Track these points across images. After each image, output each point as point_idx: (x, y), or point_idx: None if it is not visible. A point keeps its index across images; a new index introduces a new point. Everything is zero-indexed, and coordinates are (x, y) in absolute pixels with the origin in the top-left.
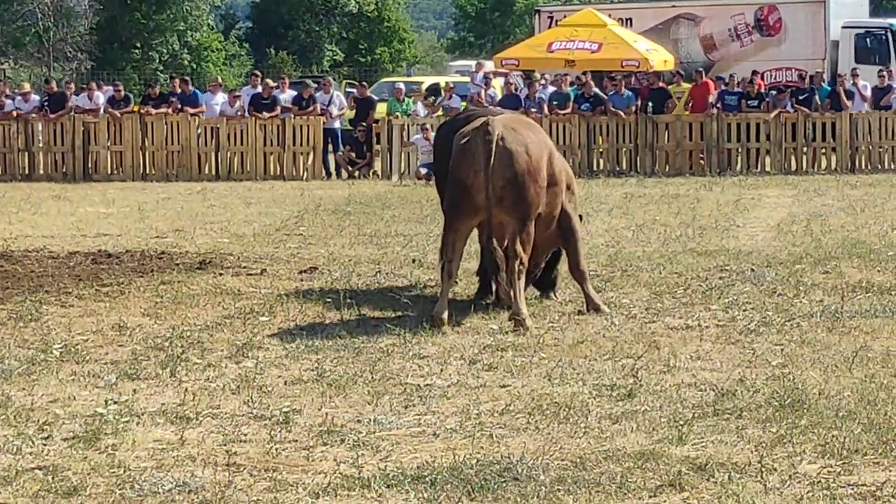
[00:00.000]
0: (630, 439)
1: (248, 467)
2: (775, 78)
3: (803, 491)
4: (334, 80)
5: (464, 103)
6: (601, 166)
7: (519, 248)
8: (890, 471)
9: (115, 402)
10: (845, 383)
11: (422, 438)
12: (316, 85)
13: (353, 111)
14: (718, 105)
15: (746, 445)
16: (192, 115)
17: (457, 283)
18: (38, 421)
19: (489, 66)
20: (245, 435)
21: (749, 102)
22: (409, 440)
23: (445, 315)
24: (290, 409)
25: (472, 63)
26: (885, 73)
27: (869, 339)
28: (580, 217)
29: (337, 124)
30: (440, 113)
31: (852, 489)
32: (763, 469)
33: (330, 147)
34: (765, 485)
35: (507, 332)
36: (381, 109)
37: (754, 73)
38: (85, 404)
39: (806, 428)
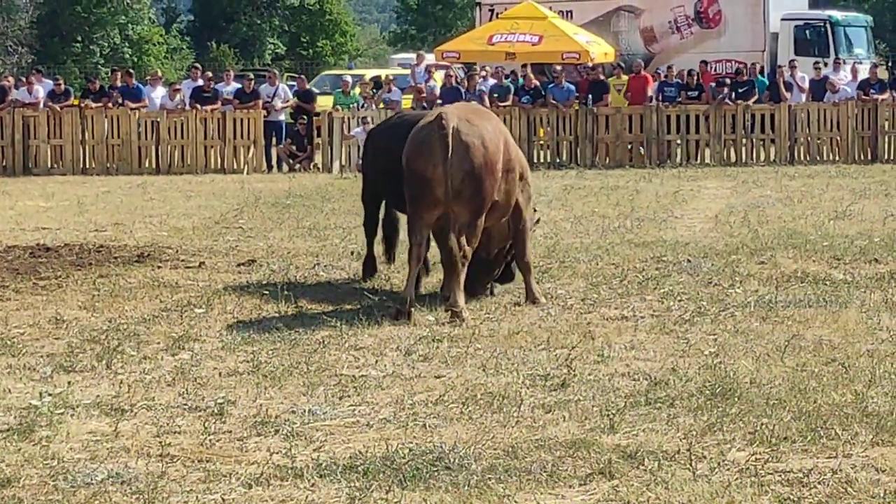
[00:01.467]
0: (562, 428)
1: (182, 458)
2: (715, 70)
3: (732, 478)
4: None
5: (405, 96)
6: (542, 158)
7: (464, 240)
8: (818, 458)
9: (50, 395)
10: (777, 372)
11: (355, 429)
12: (259, 78)
13: None
14: (658, 96)
15: (676, 433)
16: (133, 108)
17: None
18: None
19: (430, 58)
20: (179, 426)
21: (689, 93)
22: (343, 430)
23: (412, 299)
24: (225, 400)
25: (414, 56)
26: (820, 65)
27: (801, 329)
28: (534, 209)
29: (282, 117)
30: (381, 105)
31: (780, 476)
32: (692, 457)
33: (274, 140)
34: (694, 472)
35: (443, 324)
36: (323, 102)
37: (703, 62)
38: (20, 397)
39: (736, 416)
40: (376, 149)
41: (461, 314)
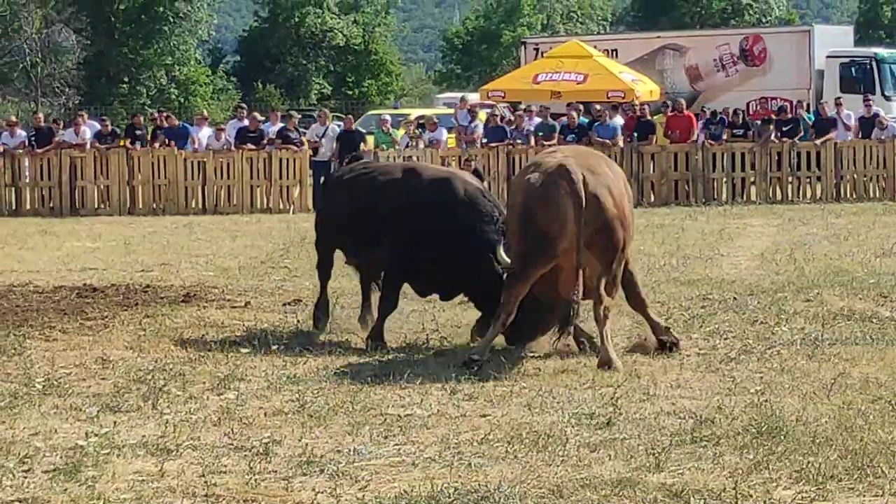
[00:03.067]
0: (607, 467)
1: (227, 498)
2: (756, 109)
3: None
4: None
5: (450, 136)
6: None
7: (604, 293)
8: (864, 496)
9: (96, 435)
10: (823, 410)
11: (401, 468)
12: (308, 118)
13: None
14: (705, 133)
15: (722, 472)
16: (180, 149)
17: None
18: (19, 454)
19: (473, 98)
20: (225, 466)
21: (734, 131)
22: (388, 470)
23: (486, 358)
24: (271, 440)
25: (460, 95)
26: (871, 101)
27: (848, 366)
28: None
29: (330, 156)
30: (423, 145)
31: None
32: (738, 495)
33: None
34: None
35: (488, 361)
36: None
37: (764, 98)
38: (66, 437)
39: (782, 454)
40: (336, 196)
41: (616, 366)
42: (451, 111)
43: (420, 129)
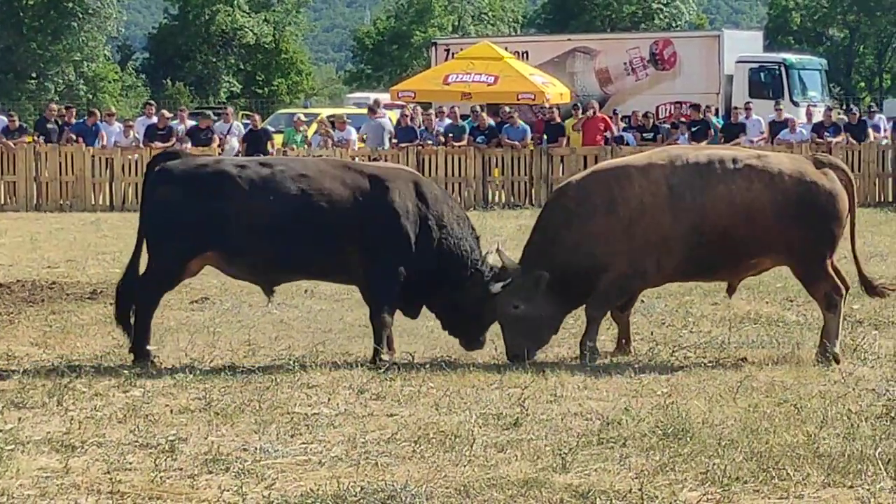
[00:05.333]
0: (514, 467)
1: (132, 495)
2: (670, 112)
3: None
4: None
5: (359, 140)
6: (497, 198)
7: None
8: (769, 499)
9: (1, 431)
10: (729, 412)
11: (307, 466)
12: (216, 117)
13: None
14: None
15: (629, 473)
16: (87, 145)
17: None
18: None
19: (385, 97)
20: (130, 463)
21: (644, 135)
22: (295, 468)
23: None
24: (177, 437)
25: (370, 95)
26: (781, 106)
27: (754, 370)
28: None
29: (236, 154)
30: (333, 144)
31: None
32: (644, 497)
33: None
34: None
35: (396, 362)
36: (278, 141)
37: (677, 102)
38: None
39: (688, 456)
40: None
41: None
42: (362, 111)
43: (332, 127)
